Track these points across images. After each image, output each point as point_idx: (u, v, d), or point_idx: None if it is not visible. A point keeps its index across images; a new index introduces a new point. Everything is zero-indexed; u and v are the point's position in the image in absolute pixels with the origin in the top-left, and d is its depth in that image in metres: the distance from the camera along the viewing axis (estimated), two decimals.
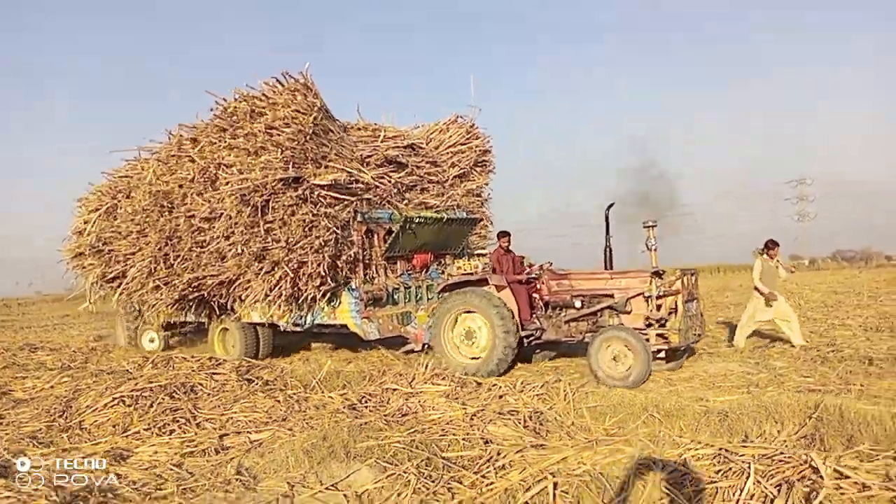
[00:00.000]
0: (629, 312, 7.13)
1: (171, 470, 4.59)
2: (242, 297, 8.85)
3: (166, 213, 9.02)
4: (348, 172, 8.26)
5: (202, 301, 9.58)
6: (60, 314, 23.94)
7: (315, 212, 7.91)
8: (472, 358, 7.70)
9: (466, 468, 4.17)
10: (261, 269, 8.17)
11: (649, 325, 7.01)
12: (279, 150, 7.80)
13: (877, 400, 5.43)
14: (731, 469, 3.71)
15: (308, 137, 7.95)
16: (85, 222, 10.60)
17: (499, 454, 4.33)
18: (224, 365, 7.77)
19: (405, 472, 4.04)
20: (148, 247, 9.21)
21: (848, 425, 4.48)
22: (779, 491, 3.33)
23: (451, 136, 10.49)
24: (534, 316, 7.76)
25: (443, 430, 4.98)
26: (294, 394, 6.56)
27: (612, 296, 7.29)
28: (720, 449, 4.05)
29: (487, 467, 4.13)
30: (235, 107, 8.32)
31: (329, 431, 4.96)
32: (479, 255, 10.98)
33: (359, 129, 9.43)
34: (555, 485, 3.70)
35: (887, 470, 3.53)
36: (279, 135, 7.87)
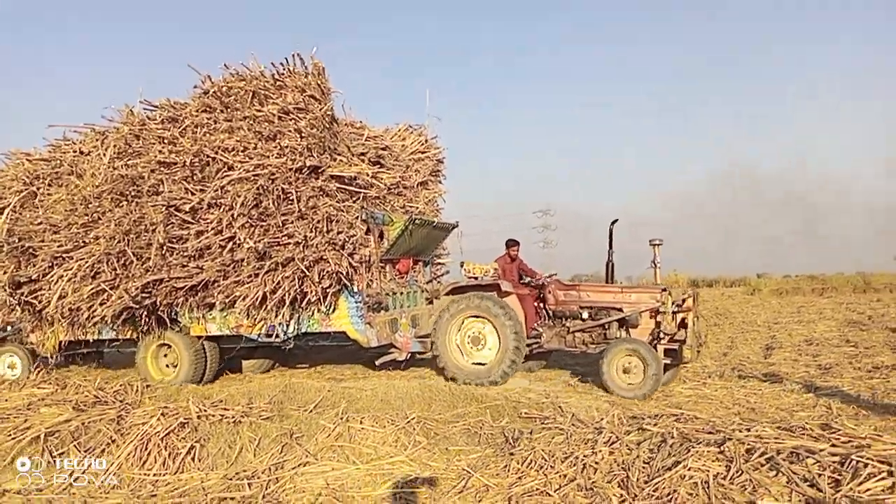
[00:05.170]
0: (637, 327, 7.24)
1: None
2: (217, 304, 7.68)
3: (126, 203, 7.51)
4: (356, 167, 7.77)
5: (146, 312, 8.02)
6: None
7: (336, 206, 7.30)
8: (477, 363, 7.55)
9: None
10: (260, 267, 7.25)
11: (656, 340, 7.06)
12: (298, 135, 7.10)
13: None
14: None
15: (325, 125, 7.35)
16: None
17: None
18: None
19: None
20: (96, 243, 7.53)
21: (299, 395, 6.45)
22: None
23: (411, 144, 10.24)
24: (537, 325, 7.73)
25: None
26: None
27: (620, 309, 7.31)
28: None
29: None
30: (230, 86, 7.36)
31: None
32: (439, 263, 10.88)
33: (346, 124, 8.86)
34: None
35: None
36: (295, 120, 7.16)
